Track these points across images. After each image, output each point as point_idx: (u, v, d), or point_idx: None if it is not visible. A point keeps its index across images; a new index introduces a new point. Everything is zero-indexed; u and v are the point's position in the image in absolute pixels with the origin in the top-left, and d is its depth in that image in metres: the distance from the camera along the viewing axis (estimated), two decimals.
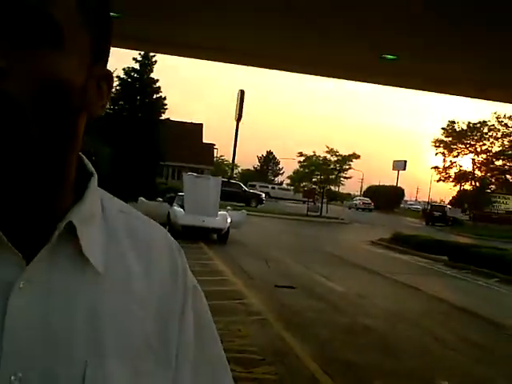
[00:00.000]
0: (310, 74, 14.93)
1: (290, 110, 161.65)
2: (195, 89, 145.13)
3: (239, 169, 77.76)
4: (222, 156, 58.08)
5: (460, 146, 50.59)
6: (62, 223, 0.72)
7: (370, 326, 9.23)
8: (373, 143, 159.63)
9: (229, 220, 19.06)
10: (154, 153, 35.14)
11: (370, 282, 14.64)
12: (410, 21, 9.06)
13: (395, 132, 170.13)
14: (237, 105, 65.09)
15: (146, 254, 0.81)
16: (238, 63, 15.09)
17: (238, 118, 65.56)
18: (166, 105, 37.82)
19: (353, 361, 7.28)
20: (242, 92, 65.84)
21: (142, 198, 20.06)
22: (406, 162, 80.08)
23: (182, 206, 19.05)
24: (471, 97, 14.99)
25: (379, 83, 14.88)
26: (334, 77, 15.49)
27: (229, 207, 22.29)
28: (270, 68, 15.47)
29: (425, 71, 12.56)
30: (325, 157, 42.36)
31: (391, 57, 11.11)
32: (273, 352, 7.23)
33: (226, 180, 39.85)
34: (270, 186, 64.43)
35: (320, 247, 21.44)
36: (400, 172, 79.59)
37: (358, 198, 79.08)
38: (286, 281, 12.47)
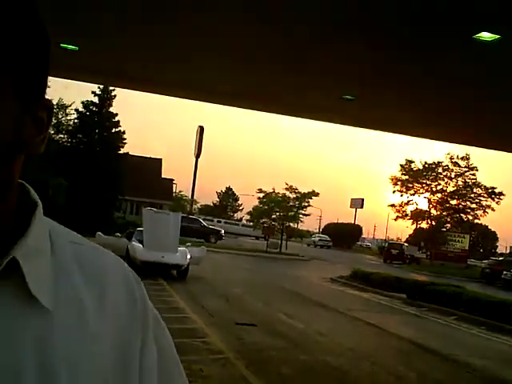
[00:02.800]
0: (274, 112, 15.08)
1: (250, 146, 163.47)
2: (155, 124, 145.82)
3: (198, 204, 77.54)
4: (181, 191, 57.77)
5: (416, 185, 51.73)
6: (3, 260, 0.68)
7: (331, 364, 9.17)
8: (332, 181, 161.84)
9: (189, 256, 18.83)
10: (112, 187, 34.77)
11: (331, 319, 14.61)
12: (367, 65, 9.33)
13: (354, 170, 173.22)
14: (196, 140, 65.19)
15: (99, 287, 0.77)
16: (197, 99, 15.11)
17: (198, 154, 65.55)
18: (125, 139, 37.60)
19: None
20: (201, 128, 65.96)
21: (99, 233, 19.75)
22: (363, 200, 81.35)
23: (141, 242, 18.75)
24: (421, 137, 15.35)
25: (341, 123, 15.13)
26: (296, 116, 15.71)
27: (188, 243, 22.08)
28: (232, 105, 15.59)
29: (379, 112, 12.89)
30: (284, 194, 42.56)
31: (350, 97, 11.36)
32: None
33: (185, 215, 39.58)
34: (215, 220, 61.38)
35: (280, 284, 21.37)
36: (358, 210, 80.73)
37: (316, 235, 79.45)
38: (247, 318, 12.33)
